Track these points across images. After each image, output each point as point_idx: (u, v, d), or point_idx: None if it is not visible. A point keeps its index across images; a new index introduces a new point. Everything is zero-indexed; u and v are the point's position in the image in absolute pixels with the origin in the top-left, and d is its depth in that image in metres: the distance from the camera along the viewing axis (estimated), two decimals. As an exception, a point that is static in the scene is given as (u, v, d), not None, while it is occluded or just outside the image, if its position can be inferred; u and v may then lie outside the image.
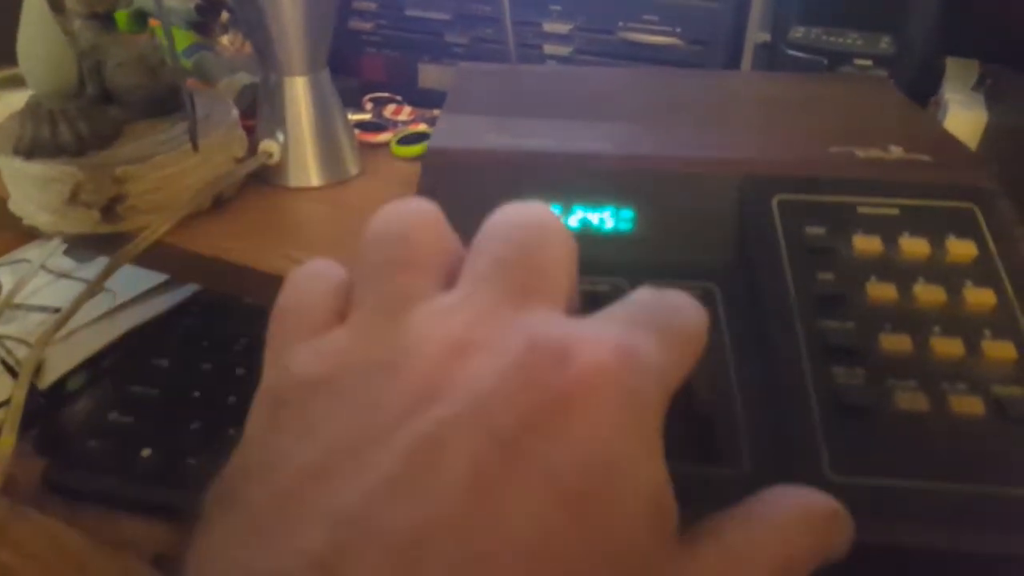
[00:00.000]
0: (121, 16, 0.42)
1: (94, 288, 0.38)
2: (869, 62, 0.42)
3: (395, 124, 0.52)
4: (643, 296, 0.16)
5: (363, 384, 0.14)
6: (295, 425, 0.14)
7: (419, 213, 0.17)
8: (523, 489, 0.12)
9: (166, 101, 0.42)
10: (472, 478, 0.12)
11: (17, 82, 0.47)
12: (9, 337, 0.45)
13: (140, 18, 0.44)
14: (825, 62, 0.44)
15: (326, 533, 0.11)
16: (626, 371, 0.13)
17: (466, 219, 0.26)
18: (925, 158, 0.27)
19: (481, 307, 0.14)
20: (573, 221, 0.26)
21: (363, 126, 0.51)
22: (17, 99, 0.43)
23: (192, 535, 0.14)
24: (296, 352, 0.15)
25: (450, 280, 0.16)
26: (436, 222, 0.17)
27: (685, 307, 0.16)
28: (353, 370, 0.14)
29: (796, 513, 0.16)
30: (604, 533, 0.12)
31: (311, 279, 0.17)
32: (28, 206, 0.39)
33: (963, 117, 0.35)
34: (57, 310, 0.49)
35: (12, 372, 0.43)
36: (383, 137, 0.50)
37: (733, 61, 0.49)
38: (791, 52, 0.44)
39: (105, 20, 0.41)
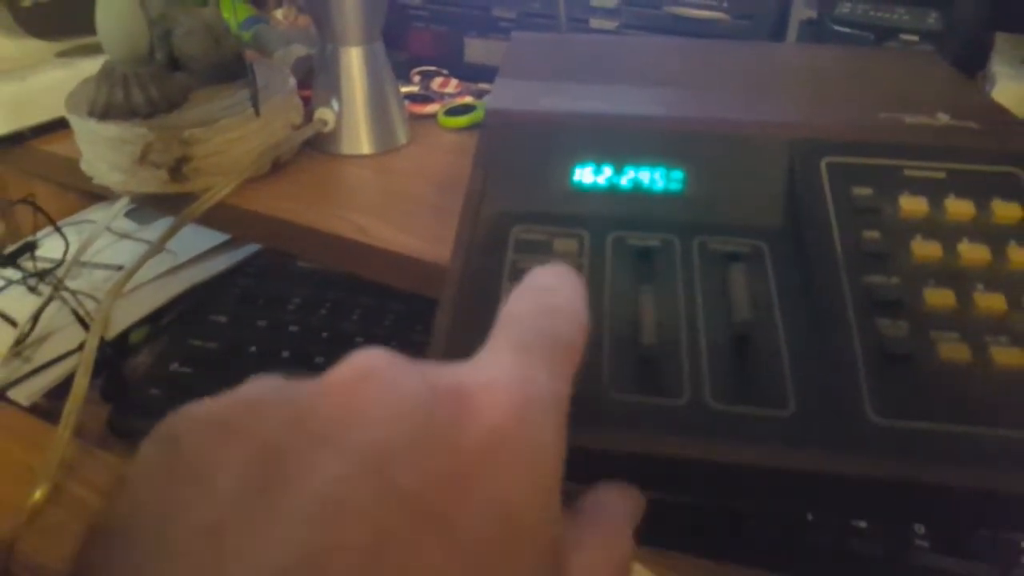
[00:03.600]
0: (186, -13, 0.44)
1: (160, 245, 0.40)
2: (915, 37, 0.42)
3: (442, 96, 0.53)
4: (522, 306, 0.17)
5: (254, 415, 0.13)
6: (191, 471, 0.13)
7: None
8: (426, 551, 0.12)
9: (229, 68, 0.43)
10: (376, 544, 0.12)
11: (89, 51, 0.49)
12: (78, 292, 0.47)
13: (203, -11, 0.46)
14: (871, 37, 0.44)
15: None
16: (525, 426, 0.14)
17: (521, 177, 0.27)
18: (972, 125, 0.28)
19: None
20: (625, 181, 0.27)
21: (411, 98, 0.52)
22: (88, 67, 0.45)
23: None
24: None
25: None
26: None
27: (564, 307, 0.17)
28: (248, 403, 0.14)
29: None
30: None
31: None
32: (100, 166, 0.41)
33: (1012, 89, 0.35)
34: (120, 267, 0.51)
35: (82, 323, 0.46)
36: (430, 109, 0.51)
37: (778, 36, 0.49)
38: (837, 27, 0.45)
39: (173, -10, 0.42)
